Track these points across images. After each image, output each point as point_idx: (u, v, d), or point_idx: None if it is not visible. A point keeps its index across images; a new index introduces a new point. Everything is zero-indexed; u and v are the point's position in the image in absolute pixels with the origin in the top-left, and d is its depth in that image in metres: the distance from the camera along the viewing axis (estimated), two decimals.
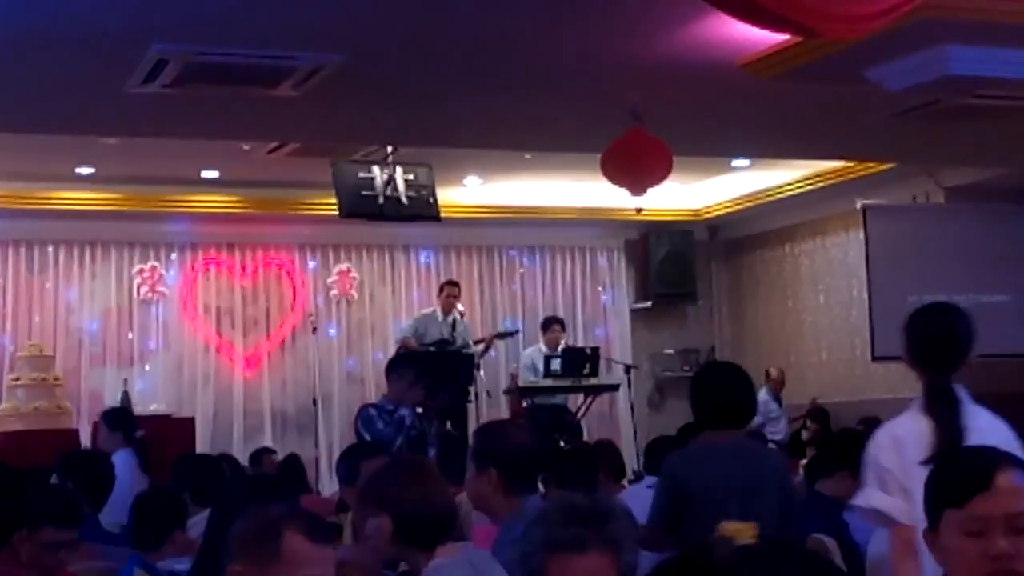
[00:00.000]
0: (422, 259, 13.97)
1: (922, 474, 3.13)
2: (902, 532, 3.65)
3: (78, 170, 11.58)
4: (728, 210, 14.05)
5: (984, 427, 3.75)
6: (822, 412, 12.97)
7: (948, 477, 2.66)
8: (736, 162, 12.43)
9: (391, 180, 10.86)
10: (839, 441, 6.04)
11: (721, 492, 4.52)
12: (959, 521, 2.56)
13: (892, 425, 3.89)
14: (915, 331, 3.96)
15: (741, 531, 4.11)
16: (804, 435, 12.45)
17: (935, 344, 3.91)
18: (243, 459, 10.71)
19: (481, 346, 12.23)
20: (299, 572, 2.82)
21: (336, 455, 11.52)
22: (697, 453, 4.87)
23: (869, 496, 3.81)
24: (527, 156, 11.50)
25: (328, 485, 12.05)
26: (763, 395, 12.87)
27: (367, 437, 7.71)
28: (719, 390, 4.78)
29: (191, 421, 11.88)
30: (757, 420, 11.06)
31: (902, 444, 3.76)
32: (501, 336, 12.95)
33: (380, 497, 3.53)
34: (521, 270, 14.41)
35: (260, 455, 10.53)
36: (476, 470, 4.08)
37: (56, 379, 11.85)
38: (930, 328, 3.96)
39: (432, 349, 11.68)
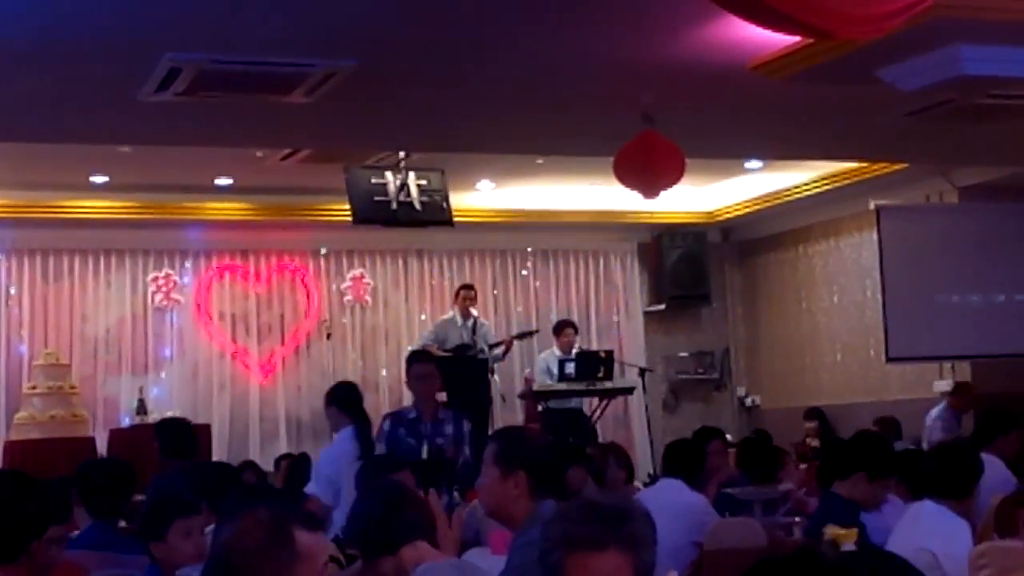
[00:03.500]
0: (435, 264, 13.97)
1: None
2: None
3: (92, 179, 11.60)
4: (741, 212, 14.01)
5: None
6: (819, 412, 12.88)
7: None
8: (749, 164, 12.39)
9: (404, 185, 10.85)
10: (854, 443, 5.96)
11: None
12: None
13: None
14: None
15: (845, 536, 4.46)
16: (810, 442, 12.28)
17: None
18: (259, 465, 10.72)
19: (501, 348, 12.20)
20: (316, 564, 2.80)
21: None
22: None
23: None
24: (539, 160, 11.49)
25: None
26: (938, 412, 11.57)
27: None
28: None
29: (207, 428, 11.88)
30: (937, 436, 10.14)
31: None
32: (520, 337, 12.90)
33: None
34: (535, 274, 14.40)
35: (282, 461, 10.57)
36: (502, 474, 3.97)
37: (72, 387, 11.89)
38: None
39: (447, 354, 11.68)
